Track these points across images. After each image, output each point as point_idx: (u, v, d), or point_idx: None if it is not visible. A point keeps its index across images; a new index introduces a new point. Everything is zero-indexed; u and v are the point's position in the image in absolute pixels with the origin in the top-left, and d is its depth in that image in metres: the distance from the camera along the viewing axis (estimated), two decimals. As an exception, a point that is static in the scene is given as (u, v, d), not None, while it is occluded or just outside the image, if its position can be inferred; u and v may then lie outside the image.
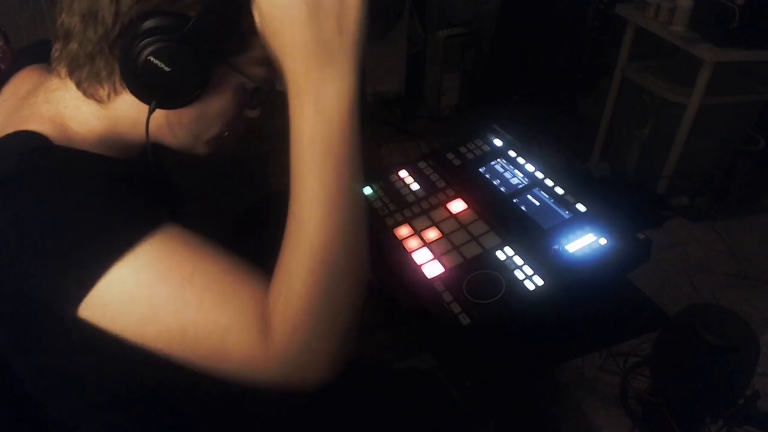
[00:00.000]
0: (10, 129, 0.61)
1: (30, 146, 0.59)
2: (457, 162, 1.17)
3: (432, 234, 1.02)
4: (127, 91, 0.61)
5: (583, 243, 0.93)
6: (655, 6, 2.20)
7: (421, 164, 1.19)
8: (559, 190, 1.04)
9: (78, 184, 0.57)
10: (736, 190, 2.29)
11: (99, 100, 0.64)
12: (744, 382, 0.87)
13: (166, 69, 0.57)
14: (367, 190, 1.14)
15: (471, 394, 0.97)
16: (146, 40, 0.56)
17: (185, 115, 0.64)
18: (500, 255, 0.95)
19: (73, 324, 0.56)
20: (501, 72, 3.26)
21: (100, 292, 0.54)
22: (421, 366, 1.04)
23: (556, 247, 0.93)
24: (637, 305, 1.04)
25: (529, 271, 0.91)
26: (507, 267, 0.92)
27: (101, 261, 0.54)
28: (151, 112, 0.61)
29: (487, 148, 1.19)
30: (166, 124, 0.65)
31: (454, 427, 1.00)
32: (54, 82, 0.65)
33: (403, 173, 1.18)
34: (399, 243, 1.02)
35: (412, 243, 1.01)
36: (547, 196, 1.04)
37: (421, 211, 1.08)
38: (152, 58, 0.56)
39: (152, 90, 0.59)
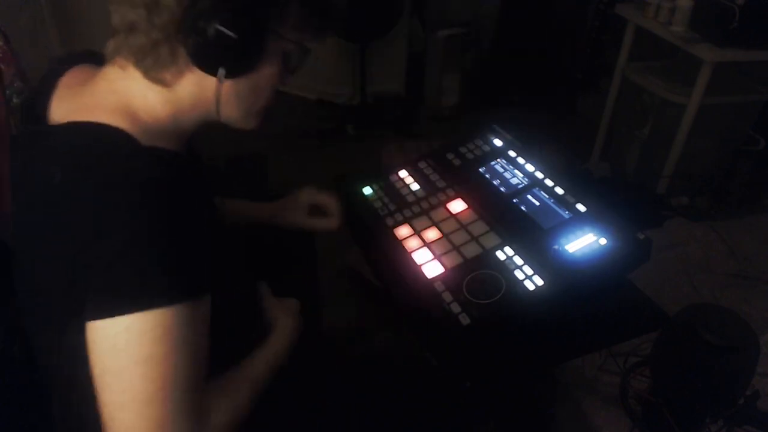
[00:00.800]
0: (78, 117, 0.65)
1: (118, 145, 0.62)
2: (457, 162, 1.17)
3: (432, 234, 1.02)
4: (191, 70, 0.66)
5: (583, 243, 0.93)
6: (655, 6, 2.20)
7: (421, 164, 1.19)
8: (559, 190, 1.04)
9: (164, 212, 0.60)
10: (736, 190, 2.29)
11: (164, 85, 0.68)
12: (744, 382, 0.87)
13: (234, 36, 0.63)
14: (367, 190, 1.14)
15: (471, 394, 0.97)
16: (212, 13, 0.62)
17: (241, 86, 0.70)
18: (500, 255, 0.95)
19: (79, 328, 0.60)
20: (501, 72, 3.26)
21: (109, 323, 0.58)
22: (421, 366, 1.04)
23: (556, 247, 0.93)
24: (637, 305, 1.04)
25: (529, 271, 0.91)
26: (507, 267, 0.92)
27: (134, 302, 0.58)
28: (220, 80, 0.66)
29: (487, 148, 1.19)
30: (225, 98, 0.69)
31: (454, 427, 1.00)
32: (113, 73, 0.68)
33: (403, 173, 1.18)
34: (399, 243, 1.02)
35: (412, 243, 1.01)
36: (547, 196, 1.04)
37: (421, 211, 1.08)
38: (221, 27, 0.62)
39: (219, 60, 0.65)
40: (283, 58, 0.71)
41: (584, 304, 0.91)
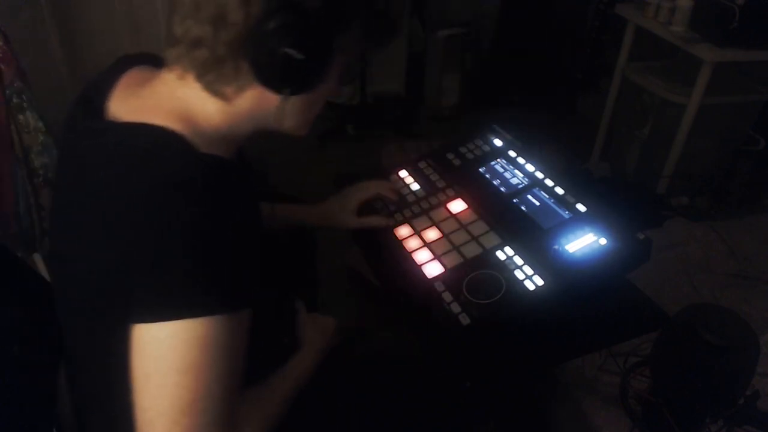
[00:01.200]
0: (137, 117, 0.65)
1: (177, 148, 0.63)
2: (457, 162, 1.17)
3: (432, 234, 1.02)
4: (254, 86, 0.66)
5: (583, 243, 0.93)
6: (655, 6, 2.19)
7: (421, 164, 1.19)
8: (559, 190, 1.04)
9: (218, 220, 0.61)
10: (736, 190, 2.29)
11: (224, 98, 0.68)
12: (744, 382, 0.87)
13: (301, 57, 0.62)
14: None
15: (471, 394, 0.97)
16: (279, 33, 0.61)
17: (301, 101, 0.69)
18: (500, 255, 0.95)
19: (123, 330, 0.60)
20: (501, 72, 3.26)
21: (155, 328, 0.59)
22: (422, 366, 1.04)
23: (556, 247, 0.93)
24: (637, 305, 1.04)
25: (529, 271, 0.91)
26: (507, 267, 0.92)
27: (182, 310, 0.58)
28: (284, 100, 0.67)
29: (487, 148, 1.19)
30: (278, 112, 0.69)
31: (454, 427, 1.00)
32: (173, 81, 0.68)
33: (403, 173, 1.19)
34: (399, 243, 1.02)
35: (412, 243, 1.01)
36: (547, 196, 1.04)
37: (421, 211, 1.08)
38: (289, 49, 0.61)
39: (286, 78, 0.64)
40: (339, 70, 0.71)
41: (584, 304, 0.91)
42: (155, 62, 0.74)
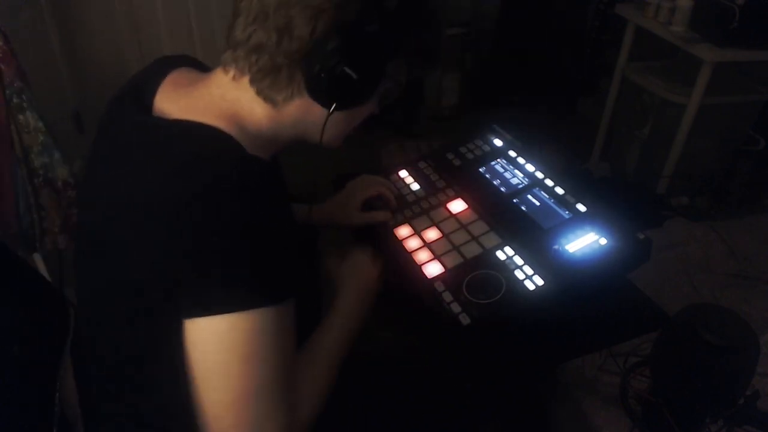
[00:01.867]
0: (191, 116, 0.67)
1: (228, 148, 0.65)
2: (457, 162, 1.18)
3: (432, 234, 1.02)
4: (303, 97, 0.69)
5: (583, 243, 0.93)
6: (655, 6, 2.20)
7: (421, 164, 1.19)
8: (559, 190, 1.04)
9: (267, 215, 0.63)
10: (736, 190, 2.29)
11: (273, 104, 0.71)
12: (744, 382, 0.87)
13: (355, 77, 0.66)
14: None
15: (471, 394, 0.97)
16: (341, 51, 0.64)
17: (343, 116, 0.73)
18: (500, 255, 0.95)
19: (174, 324, 0.62)
20: (501, 72, 3.26)
21: (214, 321, 0.60)
22: (423, 366, 1.04)
23: (556, 247, 0.93)
24: (637, 305, 1.04)
25: (529, 271, 0.91)
26: (507, 267, 0.92)
27: (240, 301, 0.60)
28: (329, 114, 0.70)
29: (487, 148, 1.19)
30: (323, 125, 0.72)
31: (453, 427, 1.00)
32: (225, 82, 0.71)
33: (403, 173, 1.19)
34: (399, 243, 1.02)
35: (412, 243, 1.01)
36: (547, 196, 1.04)
37: (421, 211, 1.08)
38: (346, 68, 0.65)
39: (336, 94, 0.68)
40: (381, 93, 0.75)
41: (584, 304, 0.91)
42: (197, 65, 0.77)
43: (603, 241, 0.93)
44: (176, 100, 0.71)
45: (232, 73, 0.70)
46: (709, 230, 1.55)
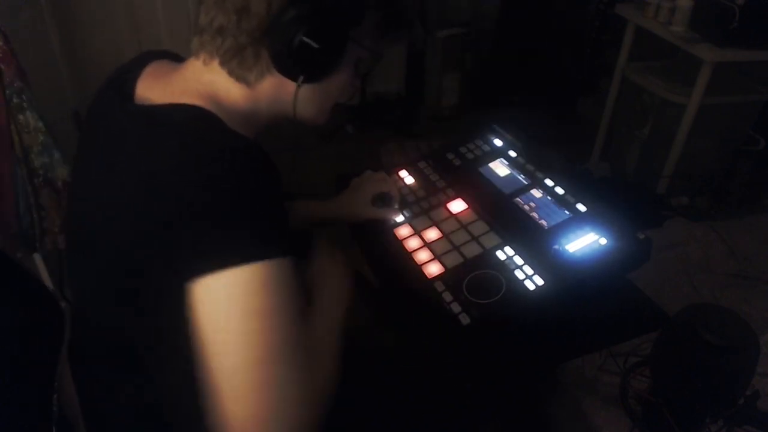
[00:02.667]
0: (171, 100, 0.68)
1: (213, 123, 0.66)
2: (457, 162, 1.17)
3: (432, 234, 1.02)
4: (273, 73, 0.71)
5: (583, 243, 0.93)
6: (655, 6, 2.20)
7: (421, 164, 1.19)
8: (559, 190, 1.04)
9: (259, 176, 0.64)
10: (736, 190, 2.29)
11: (246, 84, 0.72)
12: (744, 382, 0.87)
13: (316, 46, 0.67)
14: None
15: (471, 394, 0.97)
16: (298, 23, 0.66)
17: (317, 90, 0.74)
18: (500, 255, 0.95)
19: (175, 292, 0.61)
20: (501, 72, 3.26)
21: (218, 277, 0.59)
22: (423, 366, 1.03)
23: (556, 247, 0.93)
24: (637, 305, 1.03)
25: (529, 270, 0.91)
26: (507, 267, 0.92)
27: (242, 255, 0.60)
28: (299, 86, 0.71)
29: (487, 148, 1.19)
30: (300, 100, 0.74)
31: (453, 427, 1.00)
32: (198, 67, 0.73)
33: (403, 173, 1.18)
34: (399, 243, 1.02)
35: (412, 243, 1.01)
36: (547, 196, 1.04)
37: (421, 211, 1.08)
38: (306, 38, 0.66)
39: (302, 67, 0.69)
40: (355, 62, 0.75)
41: (584, 304, 0.91)
42: (176, 58, 0.79)
43: (603, 241, 0.93)
44: (155, 88, 0.73)
45: (202, 58, 0.72)
46: (709, 230, 1.55)
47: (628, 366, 1.05)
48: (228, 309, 0.60)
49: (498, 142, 1.19)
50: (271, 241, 0.63)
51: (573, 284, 0.88)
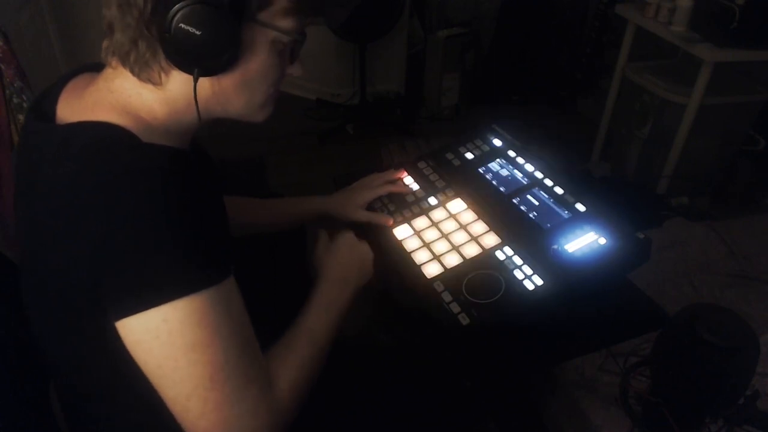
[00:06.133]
0: (82, 116, 0.65)
1: (120, 140, 0.62)
2: (457, 162, 1.17)
3: (432, 234, 1.02)
4: (174, 67, 0.64)
5: (583, 243, 0.93)
6: (655, 6, 2.20)
7: (421, 164, 1.19)
8: (559, 190, 1.04)
9: (176, 199, 0.60)
10: (736, 190, 2.29)
11: (154, 83, 0.67)
12: (744, 382, 0.87)
13: (197, 33, 0.61)
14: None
15: (471, 393, 0.97)
16: (174, 9, 0.60)
17: (229, 82, 0.68)
18: (500, 255, 0.95)
19: (109, 327, 0.60)
20: (501, 72, 3.27)
21: (144, 317, 0.58)
22: (423, 366, 1.03)
23: (555, 247, 0.93)
24: (637, 305, 1.03)
25: (528, 271, 0.91)
26: (507, 267, 0.92)
27: (165, 292, 0.58)
28: (196, 80, 0.64)
29: (487, 148, 1.19)
30: (215, 96, 0.68)
31: (454, 427, 1.00)
32: (109, 73, 0.69)
33: (403, 173, 1.18)
34: (399, 243, 1.01)
35: (412, 243, 1.01)
36: (546, 196, 1.04)
37: (421, 211, 1.07)
38: (182, 25, 0.60)
39: (191, 58, 0.63)
40: (273, 47, 0.68)
41: (584, 304, 0.91)
42: (99, 69, 0.73)
43: (603, 240, 0.93)
44: (71, 104, 0.69)
45: (111, 62, 0.68)
46: (709, 230, 1.55)
47: (628, 366, 1.05)
48: (158, 347, 0.59)
49: (498, 142, 1.19)
50: (204, 265, 0.61)
51: (572, 284, 0.88)
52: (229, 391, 0.62)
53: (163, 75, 0.66)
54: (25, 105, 1.46)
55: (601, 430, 1.03)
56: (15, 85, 1.44)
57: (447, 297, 0.89)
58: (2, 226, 1.50)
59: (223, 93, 0.69)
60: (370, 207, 1.10)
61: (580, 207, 0.99)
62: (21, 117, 1.46)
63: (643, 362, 1.04)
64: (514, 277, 0.90)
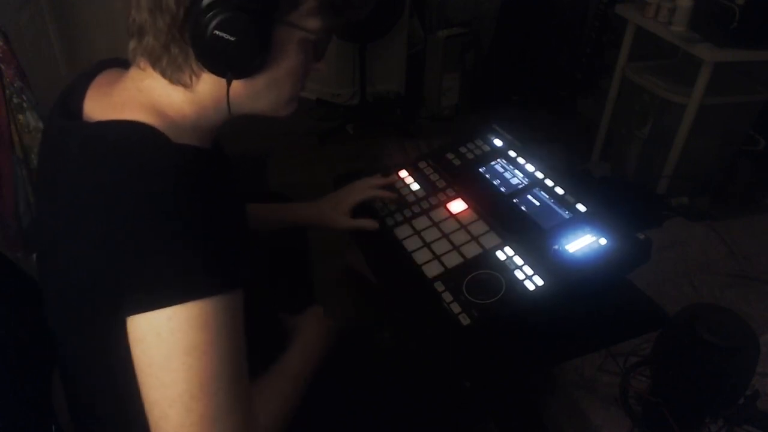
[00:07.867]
0: (110, 115, 0.65)
1: (150, 140, 0.63)
2: (457, 162, 1.17)
3: (432, 234, 1.02)
4: (205, 70, 0.65)
5: (583, 243, 0.93)
6: (655, 6, 2.20)
7: (421, 164, 1.19)
8: (559, 190, 1.04)
9: (203, 201, 0.61)
10: (736, 190, 2.29)
11: (185, 86, 0.68)
12: (744, 382, 0.87)
13: (232, 39, 0.61)
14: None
15: (471, 393, 0.97)
16: (208, 15, 0.60)
17: (260, 82, 0.68)
18: (500, 255, 0.95)
19: (120, 322, 0.60)
20: (501, 72, 3.26)
21: (151, 315, 0.58)
22: (423, 366, 1.03)
23: (556, 247, 0.93)
24: (637, 305, 1.03)
25: (529, 271, 0.91)
26: (507, 267, 0.92)
27: (178, 293, 0.58)
28: (229, 84, 0.65)
29: (487, 148, 1.19)
30: (246, 96, 0.69)
31: (454, 427, 1.00)
32: (138, 74, 0.69)
33: (403, 173, 1.18)
34: (399, 243, 1.02)
35: (412, 243, 1.01)
36: (547, 196, 1.04)
37: (421, 211, 1.08)
38: (217, 32, 0.61)
39: (224, 62, 0.64)
40: (301, 46, 0.69)
41: (584, 304, 0.91)
42: (126, 65, 0.73)
43: (603, 241, 0.93)
44: (99, 101, 0.70)
45: (140, 62, 0.69)
46: (709, 230, 1.55)
47: (627, 366, 1.05)
48: (170, 344, 0.59)
49: (498, 142, 1.19)
50: (217, 273, 0.61)
51: (573, 284, 0.88)
52: (215, 407, 0.61)
53: (194, 77, 0.67)
54: (25, 105, 1.46)
55: (601, 430, 1.03)
56: (15, 85, 1.44)
57: (447, 297, 0.89)
58: (2, 226, 1.50)
59: (254, 92, 0.69)
60: (371, 207, 1.11)
61: (581, 207, 0.99)
62: (21, 117, 1.46)
63: (643, 362, 1.04)
64: (515, 277, 0.90)
